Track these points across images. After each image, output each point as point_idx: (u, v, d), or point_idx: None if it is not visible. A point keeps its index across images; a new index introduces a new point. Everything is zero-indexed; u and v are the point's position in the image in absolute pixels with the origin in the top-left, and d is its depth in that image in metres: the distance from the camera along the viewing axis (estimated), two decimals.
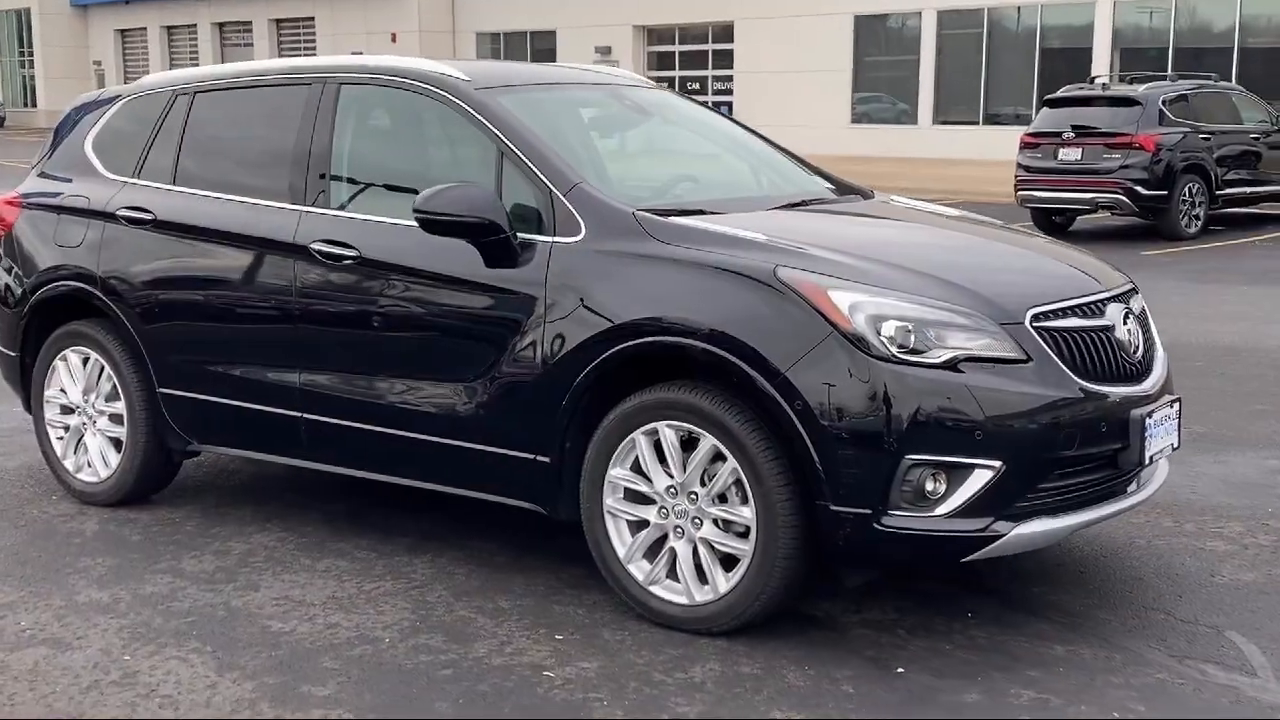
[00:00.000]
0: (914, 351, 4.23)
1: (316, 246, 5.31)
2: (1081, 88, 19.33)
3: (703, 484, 4.51)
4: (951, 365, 4.23)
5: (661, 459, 4.59)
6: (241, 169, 5.81)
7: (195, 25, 53.54)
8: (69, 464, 6.28)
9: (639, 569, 4.68)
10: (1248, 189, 18.75)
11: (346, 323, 5.29)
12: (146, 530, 5.84)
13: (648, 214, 4.80)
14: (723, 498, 4.49)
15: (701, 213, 4.95)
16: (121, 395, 6.02)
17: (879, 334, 4.23)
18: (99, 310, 6.08)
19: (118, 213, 5.98)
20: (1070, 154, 17.88)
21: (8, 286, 6.42)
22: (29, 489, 6.50)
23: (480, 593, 5.03)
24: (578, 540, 4.88)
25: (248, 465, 6.77)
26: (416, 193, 5.04)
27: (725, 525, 4.51)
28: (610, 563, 4.73)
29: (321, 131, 5.48)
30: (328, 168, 5.45)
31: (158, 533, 5.81)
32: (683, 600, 4.59)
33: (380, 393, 5.21)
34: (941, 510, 4.23)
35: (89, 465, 6.22)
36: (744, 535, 4.46)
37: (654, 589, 4.65)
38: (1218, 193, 18.15)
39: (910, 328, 4.25)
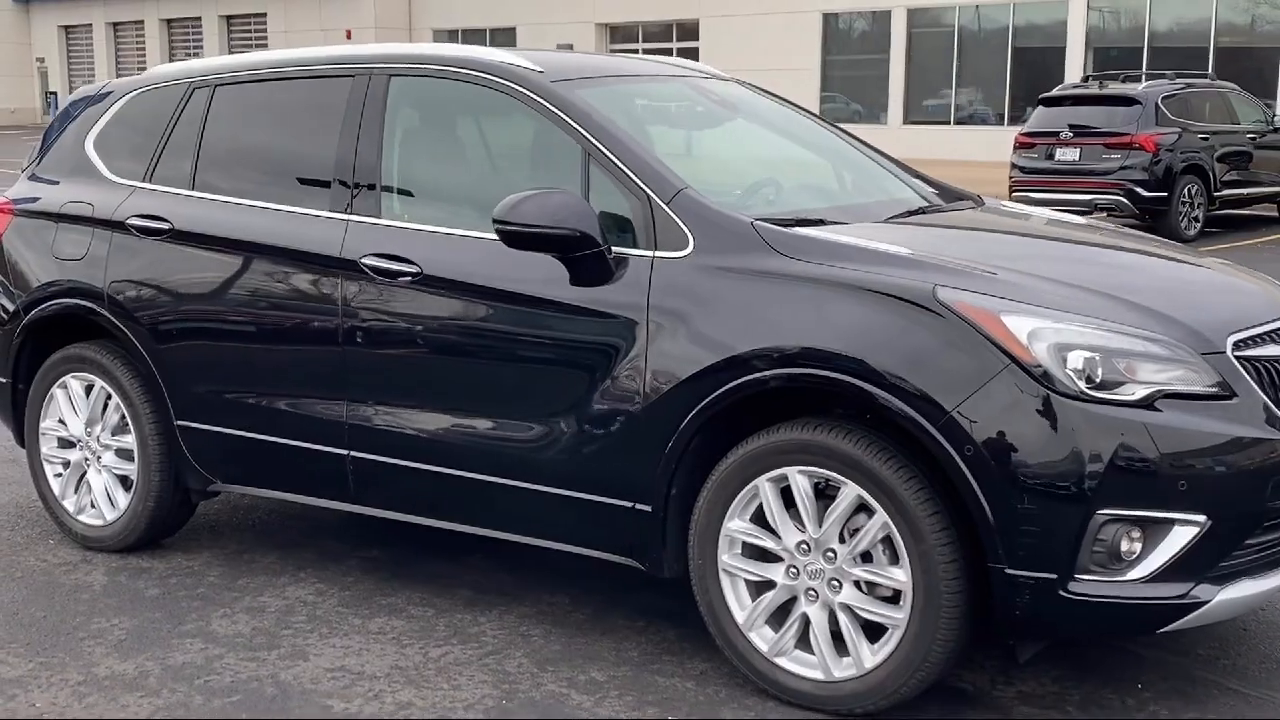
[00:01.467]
0: (1103, 386, 3.61)
1: (369, 261, 4.63)
2: (1077, 86, 18.86)
3: (842, 540, 3.88)
4: (1148, 403, 3.61)
5: (790, 509, 3.95)
6: (274, 173, 5.12)
7: (142, 21, 52.42)
8: (69, 504, 5.56)
9: (762, 637, 4.04)
10: (1244, 190, 18.33)
11: (404, 348, 4.62)
12: (163, 582, 5.14)
13: (769, 225, 4.16)
14: (868, 556, 3.85)
15: (822, 223, 4.31)
16: (132, 428, 5.31)
17: (1064, 366, 3.61)
18: (105, 332, 5.38)
19: (128, 221, 5.27)
20: (1067, 154, 17.39)
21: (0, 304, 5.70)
22: (21, 531, 5.77)
23: (565, 660, 4.38)
24: (665, 594, 4.25)
25: (266, 502, 6.07)
26: (485, 200, 4.42)
27: (870, 589, 3.87)
28: (727, 629, 4.08)
29: (370, 130, 4.80)
30: (378, 171, 4.77)
31: (177, 585, 5.11)
32: (817, 675, 3.95)
33: (444, 429, 4.55)
34: (1137, 574, 3.62)
35: (92, 506, 5.51)
36: (893, 601, 3.83)
37: (781, 661, 4.01)
38: (1215, 194, 17.71)
39: (1098, 359, 3.63)
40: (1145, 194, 16.83)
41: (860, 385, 3.76)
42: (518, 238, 4.21)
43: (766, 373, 3.91)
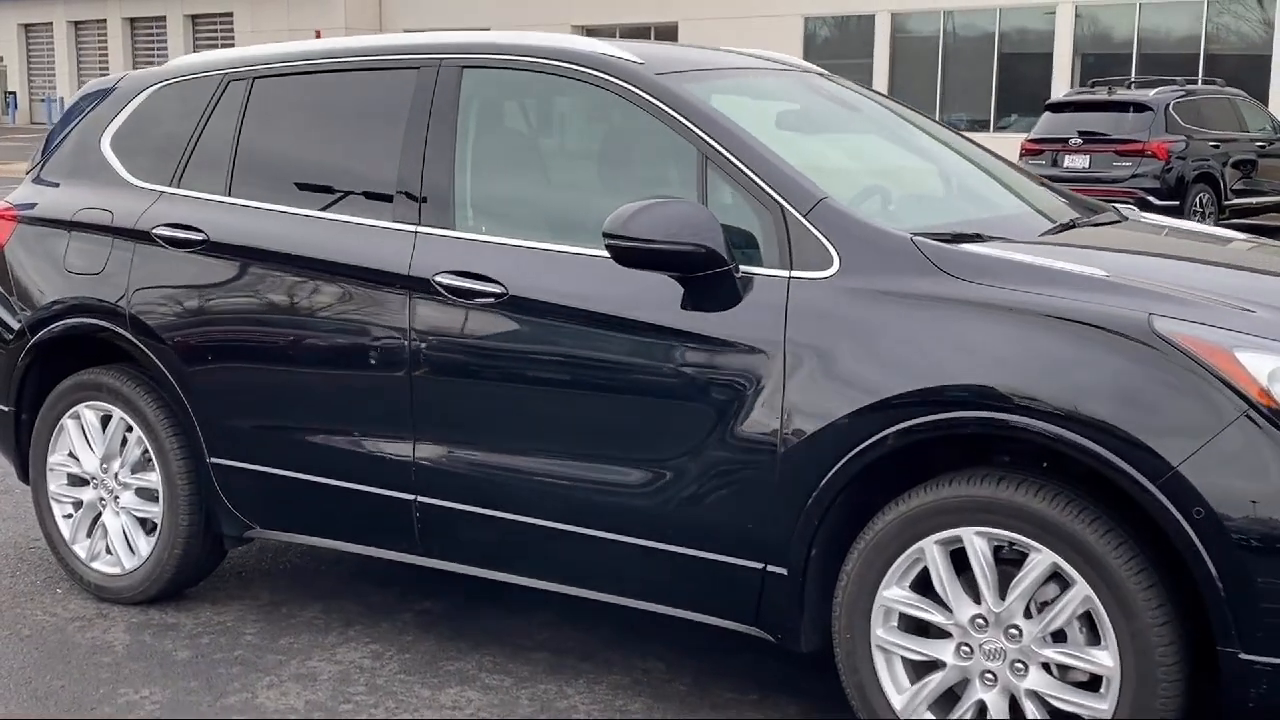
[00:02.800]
0: None
1: (443, 280, 4.02)
2: (1083, 91, 18.40)
3: (1029, 615, 3.29)
4: None
5: (962, 576, 3.36)
6: (325, 178, 4.50)
7: (105, 20, 51.36)
8: (80, 550, 4.91)
9: None
10: (1254, 199, 17.90)
11: (485, 379, 4.01)
12: (194, 642, 4.51)
13: (931, 240, 3.57)
14: (1061, 635, 3.27)
15: (980, 238, 3.72)
16: (156, 465, 4.68)
17: None
18: (126, 355, 4.75)
19: (154, 231, 4.63)
20: (1077, 161, 16.92)
21: (1, 322, 5.04)
22: (23, 578, 5.12)
23: None
24: (768, 656, 3.66)
25: (296, 544, 5.42)
26: (579, 211, 3.87)
27: (1063, 673, 3.28)
28: (881, 716, 3.48)
29: (440, 129, 4.19)
30: (451, 177, 4.15)
31: (210, 646, 4.47)
32: None
33: (532, 473, 3.94)
34: None
35: (108, 552, 4.87)
36: (1092, 688, 3.24)
37: None
38: (1225, 203, 17.27)
39: None
40: (1157, 202, 16.31)
41: (1063, 434, 3.17)
42: (632, 255, 3.60)
43: (934, 417, 3.32)
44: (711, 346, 3.63)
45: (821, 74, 4.91)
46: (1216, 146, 17.06)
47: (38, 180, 5.20)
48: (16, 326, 4.95)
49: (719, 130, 3.79)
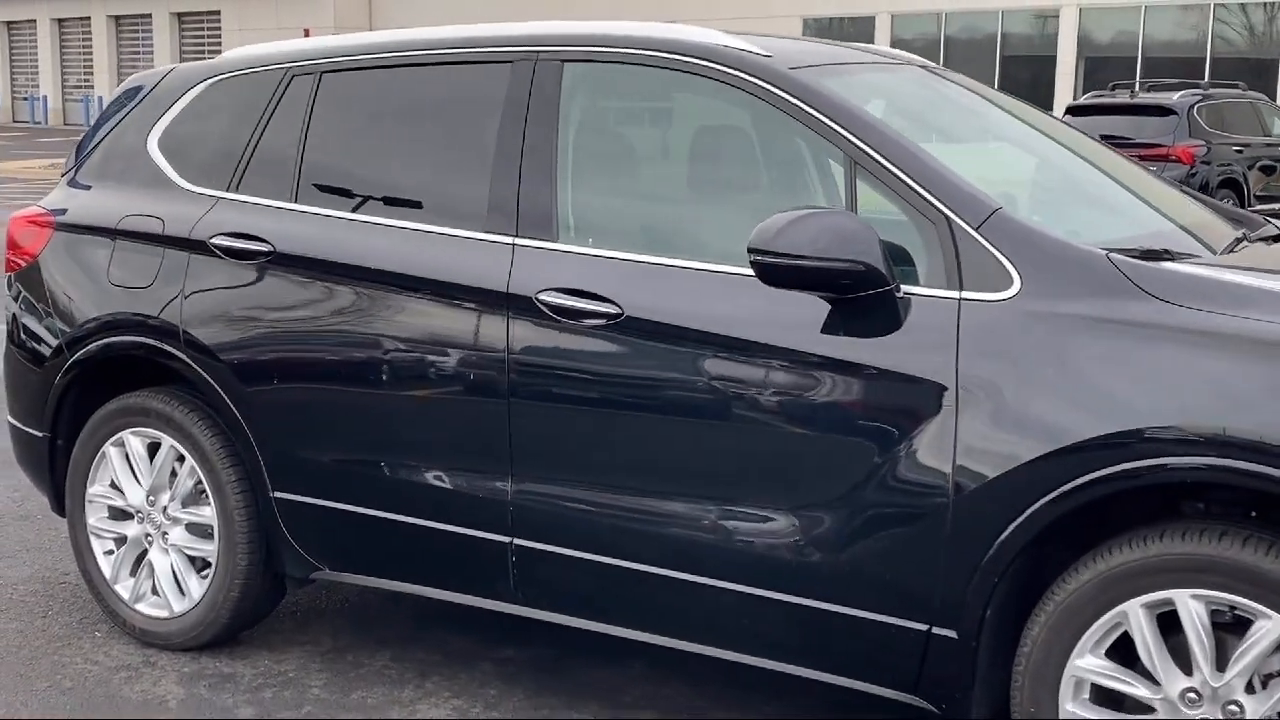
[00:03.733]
0: None
1: (548, 298, 3.58)
2: (1103, 94, 18.03)
3: (1251, 690, 2.87)
4: None
5: (1170, 643, 2.94)
6: (405, 184, 4.06)
7: (89, 18, 50.78)
8: (122, 590, 4.46)
9: None
10: (1276, 205, 17.53)
11: (595, 410, 3.58)
12: (256, 696, 4.07)
13: (1129, 258, 3.15)
14: None
15: (1169, 254, 3.30)
16: (212, 499, 4.23)
17: None
18: (178, 377, 4.30)
19: (211, 241, 4.19)
20: None
21: (32, 338, 4.60)
22: (57, 619, 4.67)
23: None
24: (895, 714, 3.23)
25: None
26: (702, 223, 3.46)
27: None
28: None
29: (539, 130, 3.75)
30: (552, 184, 3.72)
31: (274, 702, 4.03)
32: None
33: (650, 516, 3.51)
34: None
35: (155, 593, 4.42)
36: None
37: None
38: (1248, 209, 16.89)
39: None
40: None
41: None
42: (782, 272, 3.18)
43: (1145, 462, 2.90)
44: (868, 377, 3.21)
45: (935, 69, 4.48)
46: (1240, 151, 16.70)
47: (74, 183, 4.74)
48: (53, 344, 4.50)
49: (871, 131, 3.36)
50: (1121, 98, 17.40)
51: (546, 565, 3.68)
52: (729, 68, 3.58)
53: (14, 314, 4.66)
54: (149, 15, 48.27)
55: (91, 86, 49.96)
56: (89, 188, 4.65)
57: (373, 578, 4.09)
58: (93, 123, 4.84)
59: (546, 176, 3.72)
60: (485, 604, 3.89)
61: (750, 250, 3.18)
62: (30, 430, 4.64)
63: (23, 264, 4.65)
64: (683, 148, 4.06)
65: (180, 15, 47.64)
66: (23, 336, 4.63)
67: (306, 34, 42.02)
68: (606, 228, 3.75)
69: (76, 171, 4.76)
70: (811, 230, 3.11)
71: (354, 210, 4.04)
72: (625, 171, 3.94)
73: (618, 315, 3.49)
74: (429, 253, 3.83)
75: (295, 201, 4.14)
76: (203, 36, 46.64)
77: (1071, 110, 17.53)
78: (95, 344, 4.40)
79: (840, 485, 3.23)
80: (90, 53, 50.67)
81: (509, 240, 3.71)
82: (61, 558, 5.20)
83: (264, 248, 4.08)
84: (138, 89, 4.71)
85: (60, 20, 51.88)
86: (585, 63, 3.81)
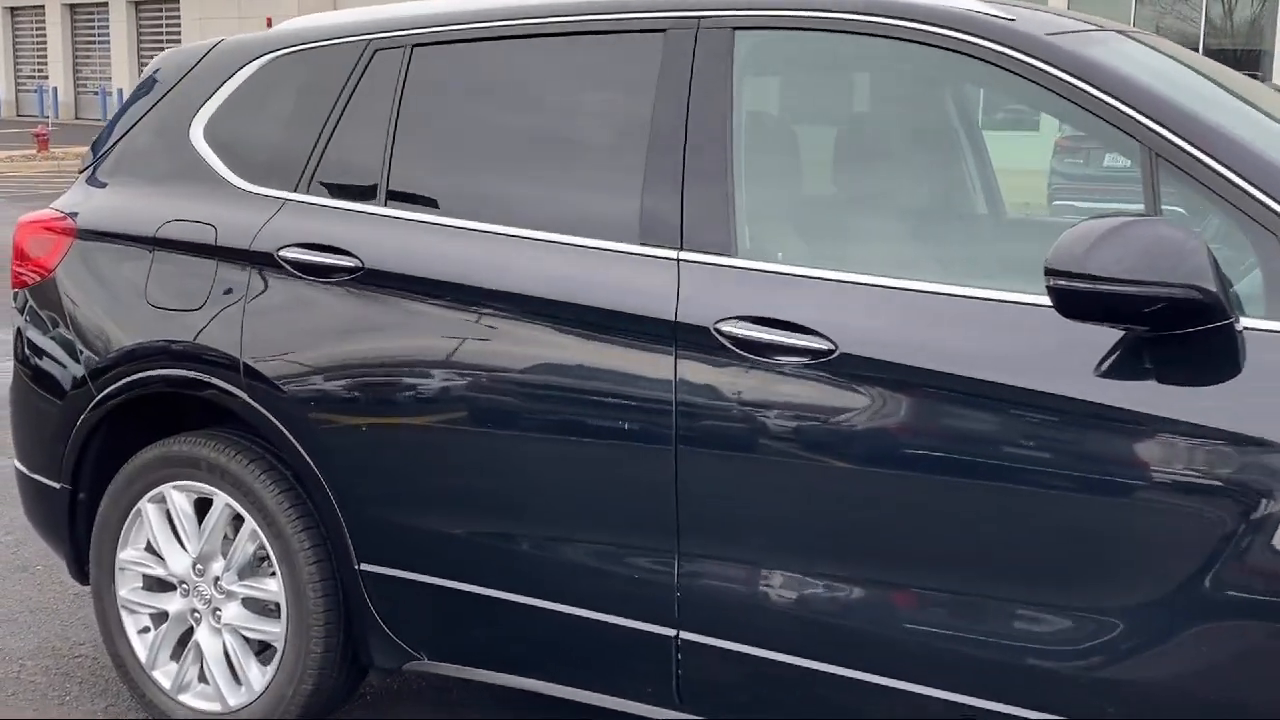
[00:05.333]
0: None
1: (732, 329, 2.81)
2: None
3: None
4: None
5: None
6: (528, 183, 3.26)
7: (43, 7, 49.38)
8: (162, 678, 3.67)
9: None
10: None
11: (794, 474, 2.80)
12: None
13: None
14: None
15: None
16: (278, 570, 3.44)
17: None
18: (235, 417, 3.50)
19: (280, 254, 3.38)
20: (1119, 159, 15.84)
21: (47, 369, 3.80)
22: (79, 705, 3.90)
23: None
24: None
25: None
26: (938, 231, 2.65)
27: None
28: None
29: (705, 117, 2.98)
30: (726, 183, 2.94)
31: None
32: None
33: (873, 613, 2.76)
34: None
35: (203, 681, 3.63)
36: None
37: None
38: None
39: None
40: None
41: None
42: (1091, 301, 2.41)
43: None
44: (1199, 440, 2.45)
45: (1141, 36, 3.72)
46: None
47: (93, 181, 3.93)
48: (75, 376, 3.70)
49: (1178, 117, 2.60)
50: None
51: (723, 667, 2.92)
52: (974, 34, 2.80)
53: (25, 339, 3.85)
54: (105, 4, 46.96)
55: (46, 77, 48.67)
56: (115, 187, 3.84)
57: (484, 670, 3.30)
58: (118, 107, 4.02)
59: (718, 174, 2.94)
60: (636, 709, 3.11)
61: (1049, 271, 2.41)
62: (44, 480, 3.83)
63: (36, 278, 3.84)
64: (901, 137, 3.29)
65: (138, 4, 46.39)
66: (36, 367, 3.82)
67: (269, 24, 40.95)
68: (801, 239, 2.98)
69: (96, 168, 3.94)
70: (1134, 245, 2.36)
71: (460, 215, 3.25)
72: (822, 167, 3.17)
73: (829, 352, 2.72)
74: (565, 271, 3.05)
75: (384, 204, 3.34)
76: (161, 26, 45.43)
77: None
78: (129, 377, 3.60)
79: (1160, 582, 2.48)
80: (44, 42, 49.32)
81: (671, 255, 2.94)
82: (73, 623, 4.42)
83: (349, 262, 3.28)
84: (172, 66, 3.90)
85: (13, 9, 50.47)
86: (763, 30, 3.04)
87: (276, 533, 3.42)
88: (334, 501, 3.32)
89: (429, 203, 3.31)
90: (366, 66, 3.47)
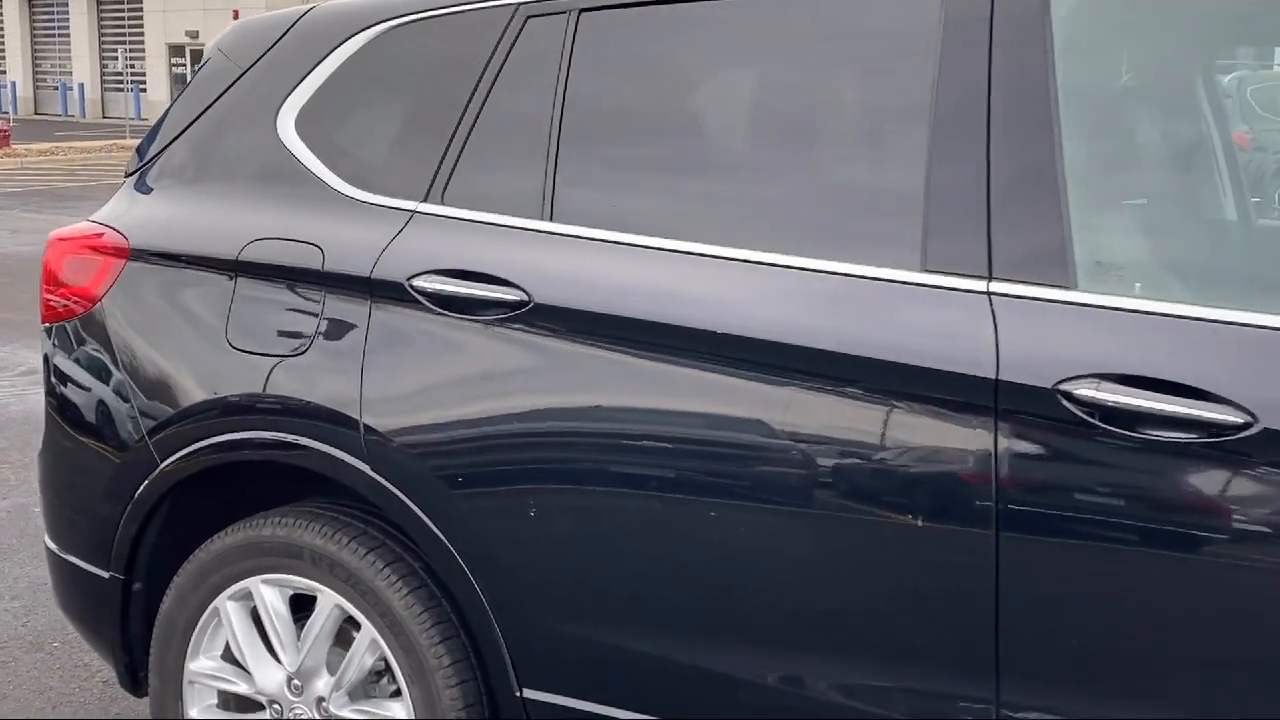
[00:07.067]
0: None
1: (1084, 393, 2.03)
2: None
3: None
4: None
5: None
6: (755, 188, 2.47)
7: None
8: None
9: None
10: None
11: (1181, 585, 2.02)
12: None
13: None
14: None
15: None
16: (405, 691, 2.66)
17: None
18: (347, 492, 2.69)
19: (413, 284, 2.58)
20: None
21: (92, 427, 2.98)
22: None
23: None
24: None
25: None
26: None
27: None
28: None
29: (1013, 95, 2.19)
30: (1054, 185, 2.15)
31: None
32: None
33: None
34: None
35: None
36: None
37: None
38: None
39: None
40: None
41: None
42: None
43: None
44: None
45: None
46: None
47: (143, 187, 3.11)
48: (131, 439, 2.88)
49: None
50: None
51: None
52: None
53: (62, 388, 3.04)
54: None
55: (4, 72, 47.45)
56: (176, 196, 3.02)
57: None
58: (173, 98, 3.20)
59: (1041, 173, 2.16)
60: None
61: None
62: (86, 566, 3.01)
63: (75, 310, 3.02)
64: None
65: None
66: (77, 422, 3.01)
67: (235, 15, 39.89)
68: (1171, 267, 2.20)
69: (145, 172, 3.12)
70: None
71: (660, 234, 2.45)
72: (1201, 158, 2.40)
73: (1244, 425, 1.94)
74: (822, 308, 2.26)
75: (552, 219, 2.54)
76: (124, 19, 44.30)
77: None
78: (204, 440, 2.79)
79: None
80: (1, 36, 48.11)
81: (980, 288, 2.15)
82: None
83: (512, 295, 2.48)
84: (248, 45, 3.08)
85: None
86: None
87: (405, 644, 2.62)
88: (485, 604, 2.53)
89: (614, 216, 2.51)
90: (516, 38, 2.66)
